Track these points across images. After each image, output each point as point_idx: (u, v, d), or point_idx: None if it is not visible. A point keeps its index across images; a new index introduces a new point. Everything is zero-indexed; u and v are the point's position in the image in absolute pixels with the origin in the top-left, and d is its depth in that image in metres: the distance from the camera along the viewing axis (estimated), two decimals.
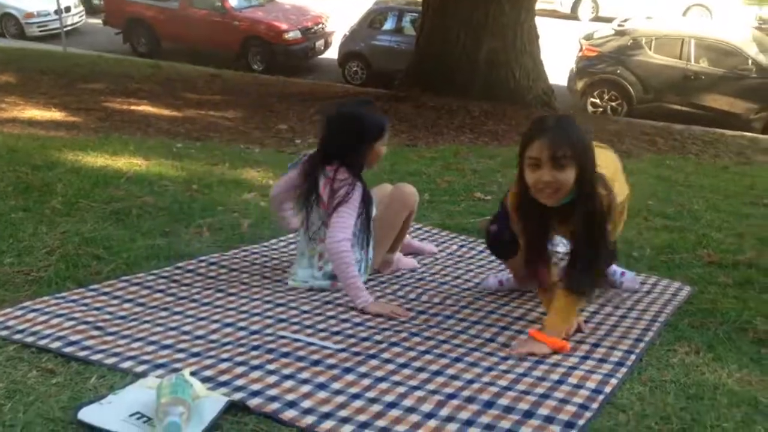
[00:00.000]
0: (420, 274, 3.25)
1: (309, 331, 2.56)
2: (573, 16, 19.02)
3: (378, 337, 2.55)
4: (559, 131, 2.35)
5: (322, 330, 2.58)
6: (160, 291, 2.81)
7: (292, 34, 13.22)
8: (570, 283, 2.53)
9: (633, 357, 2.48)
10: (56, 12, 13.48)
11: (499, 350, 2.52)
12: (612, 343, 2.59)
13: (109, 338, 2.38)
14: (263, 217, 3.88)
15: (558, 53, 12.15)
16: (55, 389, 2.06)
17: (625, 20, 11.78)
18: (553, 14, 18.32)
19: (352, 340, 2.51)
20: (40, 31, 14.51)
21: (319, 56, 14.11)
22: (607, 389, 2.23)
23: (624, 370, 2.38)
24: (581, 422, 2.03)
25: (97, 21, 14.98)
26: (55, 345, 2.29)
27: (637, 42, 10.89)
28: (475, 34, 9.07)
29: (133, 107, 8.01)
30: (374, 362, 2.35)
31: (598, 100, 11.00)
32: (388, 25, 12.96)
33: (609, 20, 13.98)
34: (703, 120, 10.22)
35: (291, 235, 3.60)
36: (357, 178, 2.93)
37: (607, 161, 2.66)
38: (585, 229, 2.45)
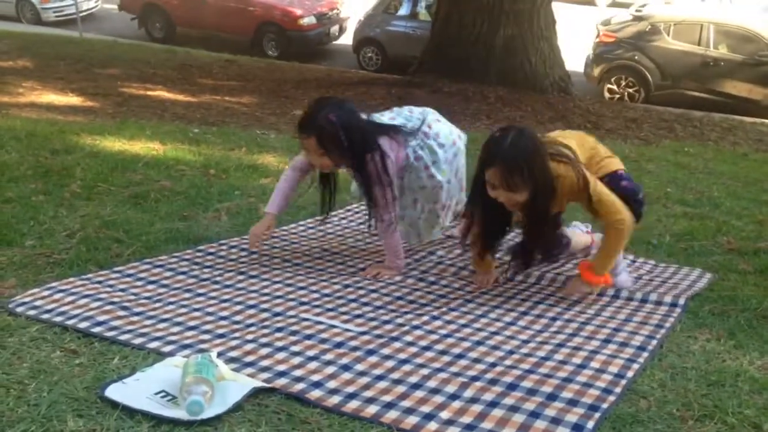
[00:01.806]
0: (439, 258, 3.25)
1: (331, 314, 2.58)
2: (590, 1, 18.84)
3: (400, 320, 2.57)
4: (512, 158, 2.50)
5: (343, 313, 2.60)
6: (183, 273, 2.84)
7: (307, 20, 13.17)
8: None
9: (654, 342, 2.48)
10: None
11: (520, 333, 2.53)
12: (633, 328, 2.60)
13: (135, 318, 2.42)
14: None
15: (575, 39, 12.05)
16: (79, 369, 2.08)
17: (643, 5, 11.66)
18: (570, 0, 18.14)
19: (374, 323, 2.53)
20: (57, 17, 14.53)
21: (334, 42, 14.06)
22: (630, 374, 2.24)
23: (645, 355, 2.39)
24: (605, 406, 2.04)
25: (112, 6, 14.97)
26: (83, 325, 2.32)
27: (656, 27, 10.77)
28: (492, 19, 9.00)
29: (149, 92, 8.01)
30: (397, 345, 2.36)
31: (615, 87, 10.91)
32: (403, 10, 12.88)
33: (626, 6, 13.84)
34: (722, 107, 10.12)
35: (309, 220, 3.61)
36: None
37: (581, 143, 2.89)
38: (533, 220, 2.71)
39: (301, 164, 3.07)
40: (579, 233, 3.32)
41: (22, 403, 1.89)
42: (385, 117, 3.12)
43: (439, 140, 3.12)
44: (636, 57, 10.76)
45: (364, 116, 2.95)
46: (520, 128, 2.61)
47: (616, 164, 2.94)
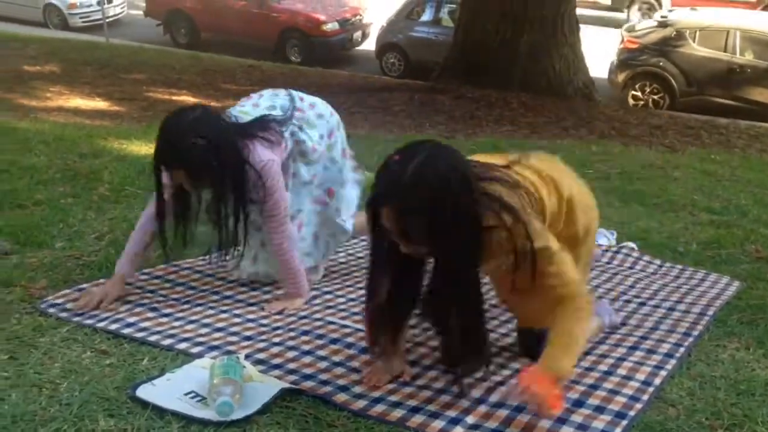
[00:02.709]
0: None
1: (357, 317, 2.58)
2: (615, 7, 18.72)
3: (426, 325, 2.55)
4: (411, 196, 1.71)
5: None
6: (210, 275, 2.86)
7: (331, 26, 13.23)
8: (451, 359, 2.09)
9: (682, 350, 2.46)
10: (99, 3, 13.69)
11: None
12: (660, 336, 2.57)
13: (164, 320, 2.45)
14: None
15: (599, 45, 12.00)
16: (109, 369, 2.10)
17: (669, 11, 11.57)
18: (594, 6, 18.06)
19: None
20: (83, 22, 14.71)
21: (357, 48, 14.11)
22: (657, 381, 2.22)
23: (673, 362, 2.37)
24: (632, 413, 2.02)
25: (138, 12, 15.16)
26: (113, 327, 2.36)
27: (681, 34, 10.69)
28: (515, 25, 8.99)
29: (174, 97, 8.11)
30: (423, 350, 2.36)
31: (639, 93, 10.83)
32: (426, 16, 12.89)
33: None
34: (748, 114, 10.01)
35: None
36: None
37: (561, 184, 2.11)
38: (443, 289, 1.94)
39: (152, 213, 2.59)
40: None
41: (54, 402, 1.91)
42: (246, 106, 2.67)
43: (317, 110, 2.79)
44: (661, 63, 10.68)
45: (225, 118, 2.51)
46: (433, 146, 1.79)
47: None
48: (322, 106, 2.86)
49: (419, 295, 2.03)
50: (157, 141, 2.41)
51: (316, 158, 2.75)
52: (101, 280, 2.69)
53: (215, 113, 2.50)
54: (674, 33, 10.75)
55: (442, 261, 1.88)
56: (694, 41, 10.61)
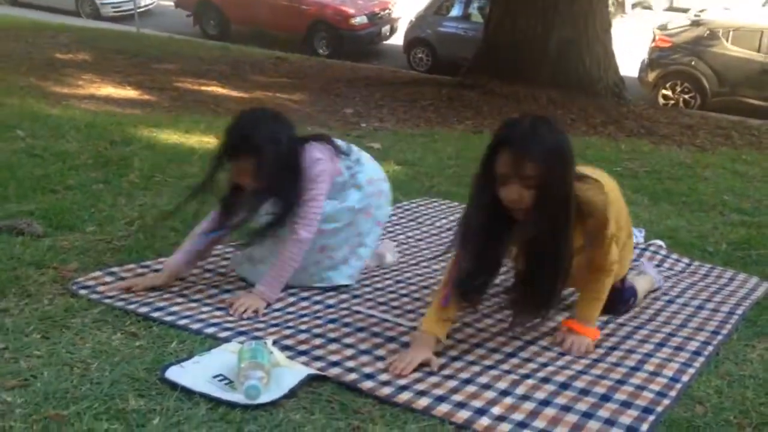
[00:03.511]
0: None
1: (383, 308, 2.60)
2: (646, 5, 18.53)
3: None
4: (533, 139, 2.02)
5: (395, 308, 2.62)
6: (238, 263, 2.87)
7: (359, 19, 13.24)
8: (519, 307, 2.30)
9: (710, 348, 2.44)
10: None
11: None
12: (688, 333, 2.56)
13: (193, 305, 2.47)
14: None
15: (630, 43, 11.88)
16: (139, 351, 2.13)
17: (702, 11, 11.42)
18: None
19: None
20: (115, 12, 14.88)
21: (385, 42, 14.11)
22: (685, 378, 2.21)
23: (701, 359, 2.35)
24: (659, 409, 2.01)
25: (168, 3, 15.28)
26: (143, 310, 2.39)
27: (714, 33, 10.54)
28: (545, 21, 8.91)
29: (203, 87, 8.16)
30: (448, 341, 2.36)
31: (670, 93, 10.71)
32: (455, 11, 12.85)
33: (683, 11, 13.58)
34: None
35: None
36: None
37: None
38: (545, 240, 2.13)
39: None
40: (644, 278, 2.90)
41: (85, 381, 1.95)
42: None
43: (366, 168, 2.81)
44: (693, 63, 10.55)
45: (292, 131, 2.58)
46: (545, 117, 2.15)
47: (627, 266, 2.63)
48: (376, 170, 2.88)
49: (500, 263, 2.27)
50: (230, 131, 2.47)
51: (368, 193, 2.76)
52: (131, 265, 2.73)
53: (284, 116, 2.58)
54: (707, 32, 10.60)
55: (544, 213, 2.07)
56: (727, 41, 10.46)
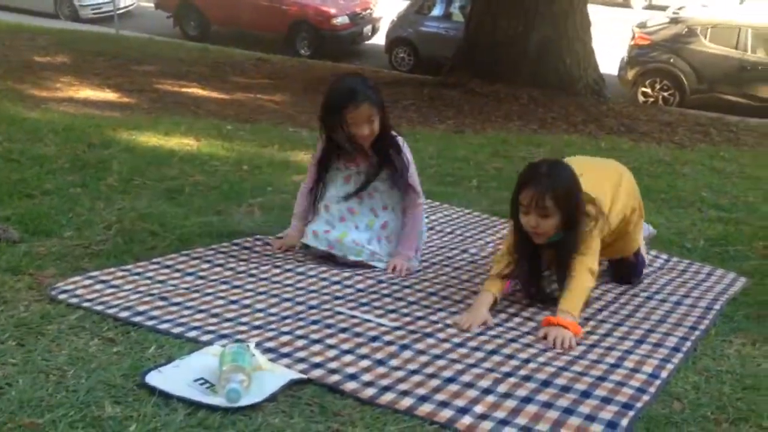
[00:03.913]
0: (471, 256, 3.26)
1: (365, 308, 2.60)
2: (625, 3, 18.67)
3: (433, 317, 2.58)
4: (547, 180, 2.56)
5: (377, 308, 2.62)
6: (219, 265, 2.88)
7: (341, 20, 13.23)
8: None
9: (689, 343, 2.47)
10: None
11: None
12: (667, 329, 2.58)
13: (174, 309, 2.46)
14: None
15: (609, 42, 11.95)
16: (116, 357, 2.11)
17: (680, 8, 11.52)
18: (606, 2, 18.00)
19: (408, 319, 2.54)
20: (94, 14, 14.77)
21: (367, 42, 14.11)
22: (664, 374, 2.23)
23: (680, 356, 2.37)
24: (639, 404, 2.03)
25: (148, 4, 15.20)
26: (124, 314, 2.37)
27: (692, 30, 10.65)
28: (526, 20, 8.97)
29: (183, 89, 8.13)
30: (431, 341, 2.38)
31: (649, 90, 10.80)
32: (437, 11, 12.89)
33: (662, 8, 13.69)
34: (759, 112, 9.97)
35: None
36: (321, 152, 3.07)
37: (608, 174, 2.94)
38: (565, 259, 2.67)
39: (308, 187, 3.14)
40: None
41: (61, 388, 1.92)
42: None
43: None
44: (672, 60, 10.65)
45: None
46: (558, 160, 2.74)
47: (640, 239, 3.03)
48: None
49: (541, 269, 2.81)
50: (349, 85, 2.89)
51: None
52: (111, 269, 2.71)
53: None
54: (686, 30, 10.70)
55: (564, 232, 2.63)
56: (705, 38, 10.57)
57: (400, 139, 3.04)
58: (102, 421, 1.80)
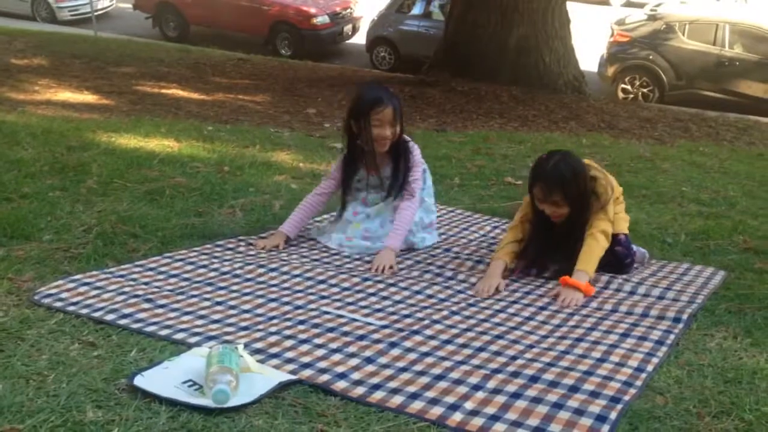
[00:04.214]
0: (455, 253, 3.26)
1: (351, 307, 2.60)
2: (604, 1, 18.78)
3: (420, 315, 2.58)
4: (552, 178, 2.89)
5: (364, 307, 2.62)
6: (203, 266, 2.86)
7: (321, 19, 13.19)
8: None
9: (672, 336, 2.49)
10: None
11: (539, 329, 2.55)
12: (650, 323, 2.61)
13: (160, 311, 2.44)
14: (295, 199, 3.89)
15: (589, 39, 12.02)
16: (97, 361, 2.09)
17: (658, 5, 11.61)
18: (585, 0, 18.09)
19: (395, 317, 2.55)
20: (72, 16, 14.63)
21: (347, 41, 14.08)
22: (649, 368, 2.25)
23: (665, 349, 2.40)
24: (626, 398, 2.05)
25: (127, 5, 15.06)
26: (110, 317, 2.35)
27: (670, 27, 10.73)
28: (505, 18, 8.99)
29: (163, 90, 8.05)
30: (418, 338, 2.38)
31: (629, 87, 10.87)
32: (417, 9, 12.89)
33: (640, 6, 13.78)
34: (737, 107, 10.06)
35: (325, 216, 3.62)
36: (347, 150, 3.33)
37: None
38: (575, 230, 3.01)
39: (326, 189, 3.37)
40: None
41: (41, 393, 1.90)
42: None
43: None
44: (650, 57, 10.72)
45: None
46: (565, 153, 3.01)
47: (624, 226, 3.19)
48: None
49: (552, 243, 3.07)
50: (374, 92, 3.21)
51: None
52: (94, 272, 2.69)
53: None
54: (664, 26, 10.78)
55: (572, 213, 2.96)
56: (683, 34, 10.65)
57: (411, 144, 3.30)
58: (84, 425, 1.78)
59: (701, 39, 10.57)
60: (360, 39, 13.66)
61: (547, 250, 3.08)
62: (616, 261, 3.10)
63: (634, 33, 11.02)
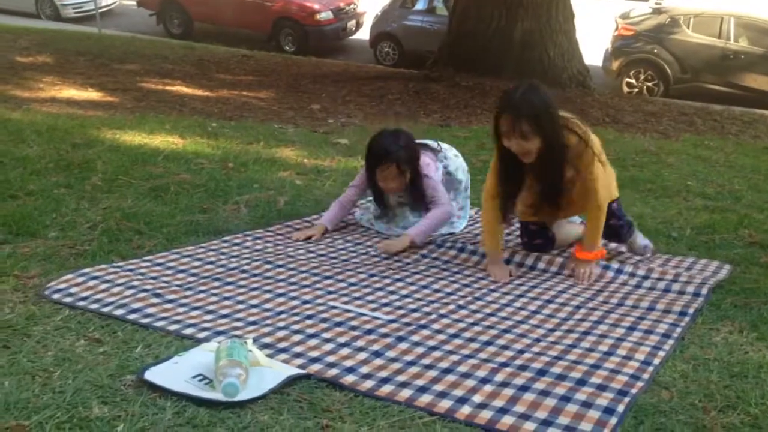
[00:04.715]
0: (461, 247, 3.25)
1: (358, 302, 2.61)
2: None
3: (426, 309, 2.59)
4: (521, 107, 2.67)
5: (371, 302, 2.63)
6: (211, 262, 2.87)
7: (324, 15, 13.17)
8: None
9: (679, 329, 2.49)
10: None
11: (545, 322, 2.55)
12: (657, 316, 2.61)
13: (169, 306, 2.45)
14: (299, 195, 3.90)
15: (593, 33, 11.97)
16: (103, 357, 2.09)
17: None
18: None
19: (402, 312, 2.55)
20: (76, 13, 14.63)
21: (351, 37, 14.06)
22: (656, 361, 2.25)
23: (671, 342, 2.40)
24: (634, 391, 2.05)
25: (131, 2, 15.06)
26: (119, 312, 2.36)
27: (675, 20, 10.69)
28: (509, 13, 8.96)
29: (167, 87, 8.06)
30: (425, 332, 2.39)
31: (633, 81, 10.84)
32: (420, 5, 12.86)
33: None
34: (742, 100, 10.02)
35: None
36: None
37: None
38: (546, 171, 2.84)
39: (359, 182, 3.47)
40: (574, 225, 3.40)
41: (47, 390, 1.91)
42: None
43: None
44: (655, 50, 10.68)
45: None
46: (533, 82, 2.79)
47: (614, 188, 3.16)
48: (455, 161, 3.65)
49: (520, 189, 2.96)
50: (370, 149, 3.32)
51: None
52: (103, 266, 2.70)
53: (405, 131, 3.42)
54: (668, 20, 10.74)
55: (541, 154, 2.75)
56: (688, 28, 10.61)
57: (426, 177, 3.36)
58: (90, 421, 1.78)
59: (706, 32, 10.53)
60: (364, 35, 13.64)
61: (521, 197, 2.99)
62: (613, 233, 3.16)
63: (638, 27, 10.99)
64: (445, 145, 3.66)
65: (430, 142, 3.61)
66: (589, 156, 2.86)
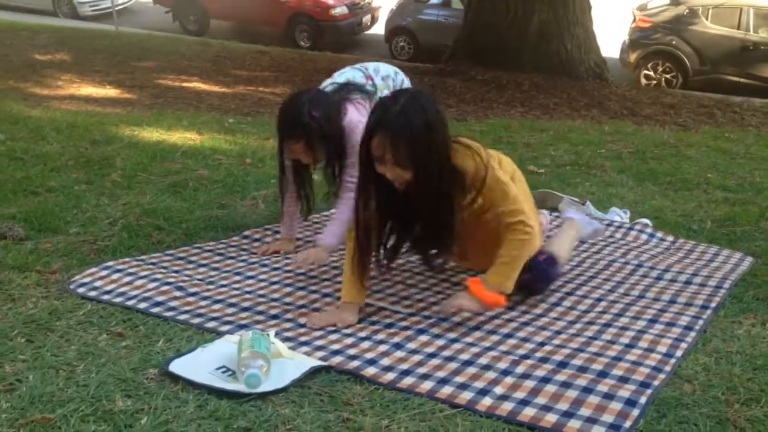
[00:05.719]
0: None
1: (378, 295, 2.61)
2: None
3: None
4: (399, 126, 2.10)
5: (390, 295, 2.63)
6: (232, 258, 2.90)
7: (339, 10, 13.16)
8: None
9: (701, 322, 2.48)
10: None
11: (566, 314, 2.54)
12: (678, 309, 2.59)
13: (191, 299, 2.47)
14: (317, 190, 3.90)
15: (611, 24, 11.88)
16: (125, 351, 2.12)
17: None
18: None
19: (422, 305, 2.56)
20: (93, 11, 14.71)
21: (366, 32, 14.04)
22: (678, 353, 2.24)
23: (693, 334, 2.38)
24: (656, 383, 2.04)
25: (147, 0, 15.14)
26: (142, 305, 2.39)
27: (694, 11, 10.56)
28: (526, 5, 8.91)
29: (184, 84, 8.09)
30: (445, 324, 2.39)
31: (651, 73, 10.73)
32: None
33: None
34: (762, 92, 9.90)
35: None
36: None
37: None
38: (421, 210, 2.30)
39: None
40: (565, 235, 2.89)
41: (71, 383, 1.93)
42: (326, 85, 2.96)
43: (382, 73, 3.14)
44: (673, 42, 10.57)
45: (328, 90, 2.85)
46: (415, 91, 2.28)
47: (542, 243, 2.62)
48: (385, 68, 3.17)
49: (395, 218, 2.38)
50: (279, 119, 2.75)
51: None
52: (126, 259, 2.73)
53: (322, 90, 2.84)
54: (687, 11, 10.62)
55: (421, 181, 2.18)
56: (707, 19, 10.48)
57: (354, 117, 2.77)
58: (113, 414, 1.80)
59: (725, 23, 10.40)
60: (379, 29, 13.61)
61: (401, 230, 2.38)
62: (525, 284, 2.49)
63: (656, 18, 10.87)
64: (372, 66, 3.11)
65: (364, 82, 3.01)
66: (493, 175, 2.31)
